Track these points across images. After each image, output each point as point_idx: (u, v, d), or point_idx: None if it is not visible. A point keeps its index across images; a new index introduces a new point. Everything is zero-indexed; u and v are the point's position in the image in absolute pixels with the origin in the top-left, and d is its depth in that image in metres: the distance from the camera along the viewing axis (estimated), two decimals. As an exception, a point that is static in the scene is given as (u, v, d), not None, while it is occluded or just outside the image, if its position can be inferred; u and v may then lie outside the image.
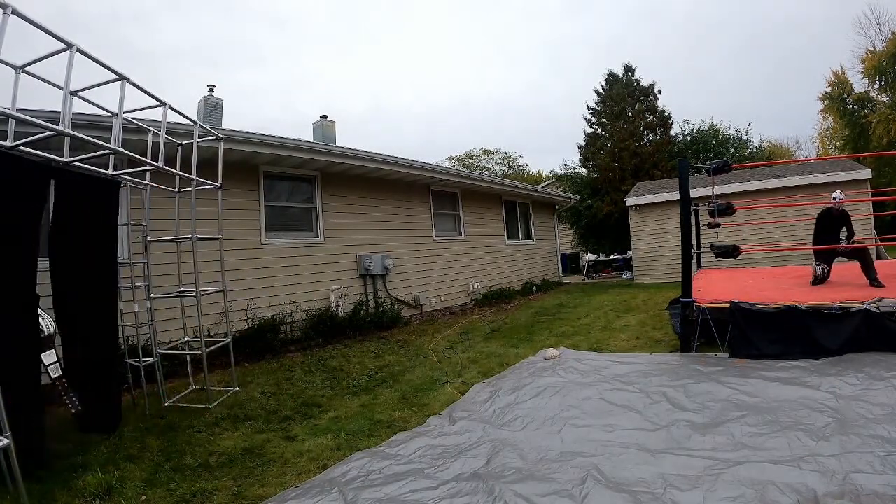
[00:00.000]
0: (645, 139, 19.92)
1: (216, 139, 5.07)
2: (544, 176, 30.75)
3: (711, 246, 6.19)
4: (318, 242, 8.02)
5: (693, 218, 7.31)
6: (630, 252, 15.00)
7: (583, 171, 21.89)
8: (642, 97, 20.26)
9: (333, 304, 7.88)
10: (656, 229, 13.95)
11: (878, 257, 9.39)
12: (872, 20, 21.55)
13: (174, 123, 5.12)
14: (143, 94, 3.86)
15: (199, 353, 4.60)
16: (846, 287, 5.65)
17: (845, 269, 6.79)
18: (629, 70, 20.67)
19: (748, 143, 22.61)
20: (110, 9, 47.36)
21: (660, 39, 50.30)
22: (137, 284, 4.65)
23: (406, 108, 63.65)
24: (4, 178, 2.94)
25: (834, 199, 6.14)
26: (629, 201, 14.49)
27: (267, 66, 59.34)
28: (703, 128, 22.48)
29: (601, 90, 21.01)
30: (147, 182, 4.56)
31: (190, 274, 4.62)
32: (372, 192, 9.07)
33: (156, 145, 4.36)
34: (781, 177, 12.56)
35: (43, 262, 3.36)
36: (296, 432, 3.82)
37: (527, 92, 62.38)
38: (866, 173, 11.87)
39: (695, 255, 7.83)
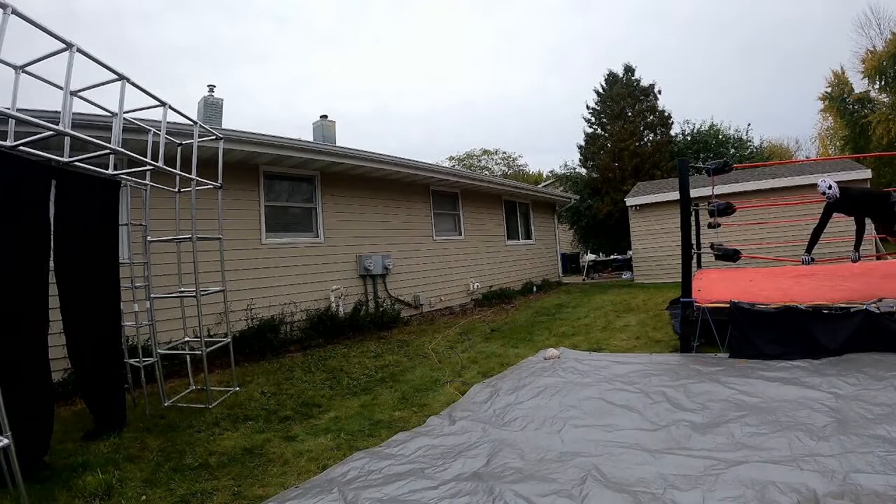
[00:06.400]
0: (645, 139, 19.90)
1: (216, 139, 5.07)
2: (544, 176, 30.75)
3: (711, 246, 6.19)
4: (318, 242, 8.02)
5: (693, 218, 7.31)
6: (630, 252, 14.99)
7: (583, 171, 21.87)
8: (642, 97, 20.24)
9: (333, 304, 7.88)
10: (656, 229, 13.94)
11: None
12: (872, 20, 21.56)
13: (174, 123, 5.12)
14: (143, 93, 3.86)
15: (199, 353, 4.60)
16: (846, 287, 5.64)
17: (843, 269, 6.79)
18: (629, 70, 20.66)
19: (748, 143, 22.59)
20: (112, 8, 47.43)
21: (661, 40, 50.39)
22: (137, 284, 4.65)
23: (407, 109, 63.84)
24: (4, 178, 2.95)
25: (823, 193, 5.18)
26: (629, 201, 14.48)
27: (268, 66, 59.44)
28: (703, 128, 22.45)
29: (601, 90, 20.99)
30: (147, 182, 4.56)
31: (190, 274, 4.62)
32: (372, 192, 9.06)
33: (156, 145, 4.36)
34: (781, 177, 12.56)
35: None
36: (296, 432, 3.81)
37: (527, 92, 62.49)
38: (866, 173, 11.86)
39: (695, 256, 7.83)
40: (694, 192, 5.98)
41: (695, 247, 7.13)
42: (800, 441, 2.83)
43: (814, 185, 11.74)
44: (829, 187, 5.13)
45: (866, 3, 30.05)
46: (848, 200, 5.26)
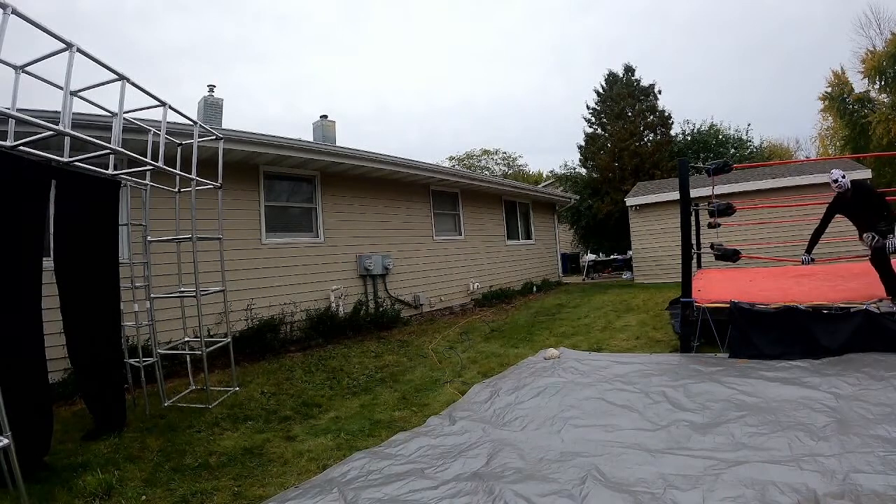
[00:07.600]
0: (645, 139, 19.89)
1: (216, 139, 5.07)
2: (544, 176, 30.72)
3: (712, 246, 6.19)
4: (318, 242, 8.02)
5: (693, 218, 7.31)
6: (630, 252, 14.99)
7: (583, 171, 21.87)
8: (642, 97, 20.23)
9: (333, 304, 7.88)
10: (656, 229, 13.94)
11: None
12: (872, 20, 21.50)
13: (174, 123, 5.11)
14: (143, 93, 3.86)
15: (199, 353, 4.60)
16: (846, 287, 5.64)
17: (843, 269, 6.80)
18: (629, 70, 20.64)
19: (748, 143, 22.59)
20: (112, 8, 47.46)
21: (661, 40, 50.25)
22: (137, 284, 4.65)
23: (407, 109, 63.76)
24: (4, 178, 2.95)
25: (835, 181, 4.96)
26: (629, 201, 14.48)
27: (268, 66, 59.43)
28: (703, 128, 22.46)
29: (601, 90, 20.98)
30: (147, 182, 4.56)
31: (190, 274, 4.62)
32: (372, 192, 9.06)
33: (156, 145, 4.36)
34: (781, 177, 12.55)
35: (47, 263, 3.36)
36: (296, 432, 3.82)
37: (528, 92, 62.39)
38: (866, 173, 11.86)
39: (695, 256, 7.83)
40: (694, 192, 5.97)
41: (695, 247, 7.13)
42: (800, 441, 2.83)
43: (814, 185, 11.82)
44: (842, 175, 4.94)
45: (866, 3, 29.96)
46: (856, 196, 4.99)
